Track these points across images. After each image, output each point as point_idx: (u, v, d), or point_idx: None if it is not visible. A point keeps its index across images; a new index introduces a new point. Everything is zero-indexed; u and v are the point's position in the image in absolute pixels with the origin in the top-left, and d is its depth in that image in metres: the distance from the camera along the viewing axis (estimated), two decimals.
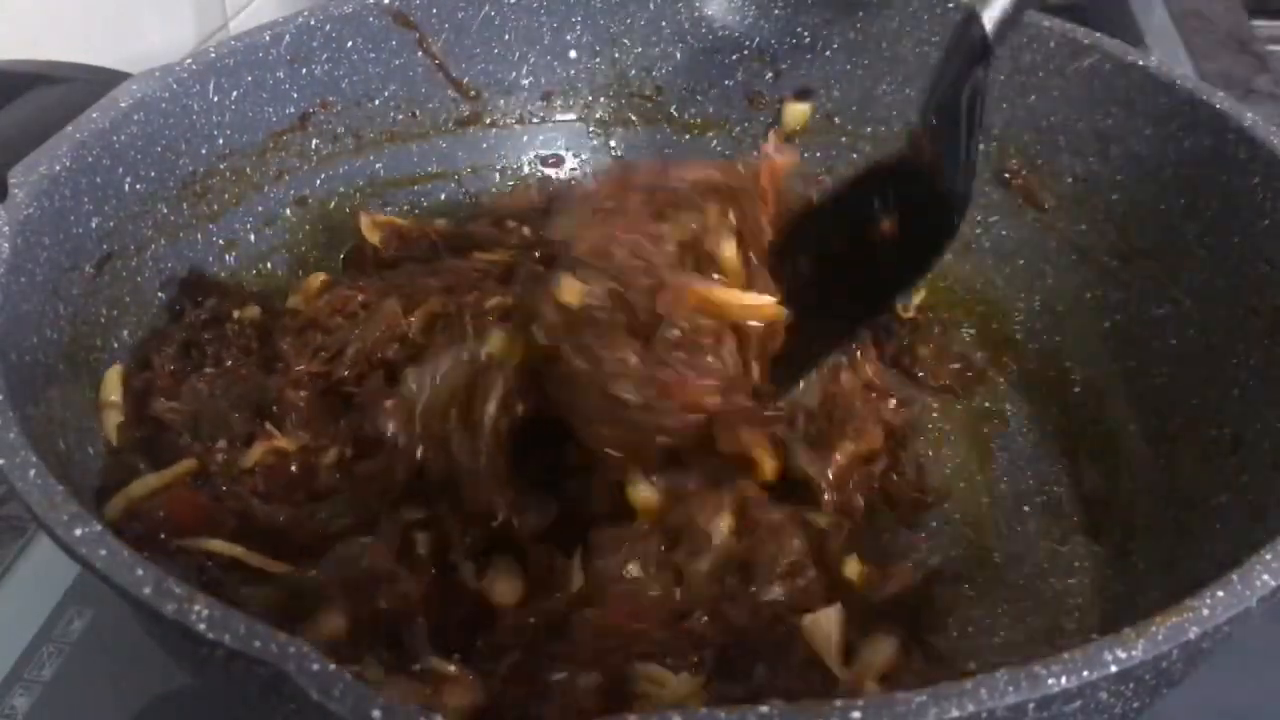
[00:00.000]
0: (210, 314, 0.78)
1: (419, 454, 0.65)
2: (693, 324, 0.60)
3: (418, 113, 0.95)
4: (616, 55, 0.98)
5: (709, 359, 0.61)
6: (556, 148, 0.99)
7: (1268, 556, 0.49)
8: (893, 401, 0.77)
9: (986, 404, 0.85)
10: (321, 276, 0.86)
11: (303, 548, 0.64)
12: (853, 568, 0.65)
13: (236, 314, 0.79)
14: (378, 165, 0.94)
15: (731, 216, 0.64)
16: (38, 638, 0.72)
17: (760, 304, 0.63)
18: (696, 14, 0.96)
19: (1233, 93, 1.21)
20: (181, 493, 0.64)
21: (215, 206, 0.84)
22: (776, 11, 0.94)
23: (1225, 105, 0.76)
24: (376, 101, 0.92)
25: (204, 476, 0.67)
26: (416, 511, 0.65)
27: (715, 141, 0.98)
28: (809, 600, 0.61)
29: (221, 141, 0.84)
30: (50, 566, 0.76)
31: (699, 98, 0.98)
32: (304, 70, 0.87)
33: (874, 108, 0.94)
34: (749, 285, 0.64)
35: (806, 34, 0.94)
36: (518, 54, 0.96)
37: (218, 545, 0.62)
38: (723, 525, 0.63)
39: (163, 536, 0.62)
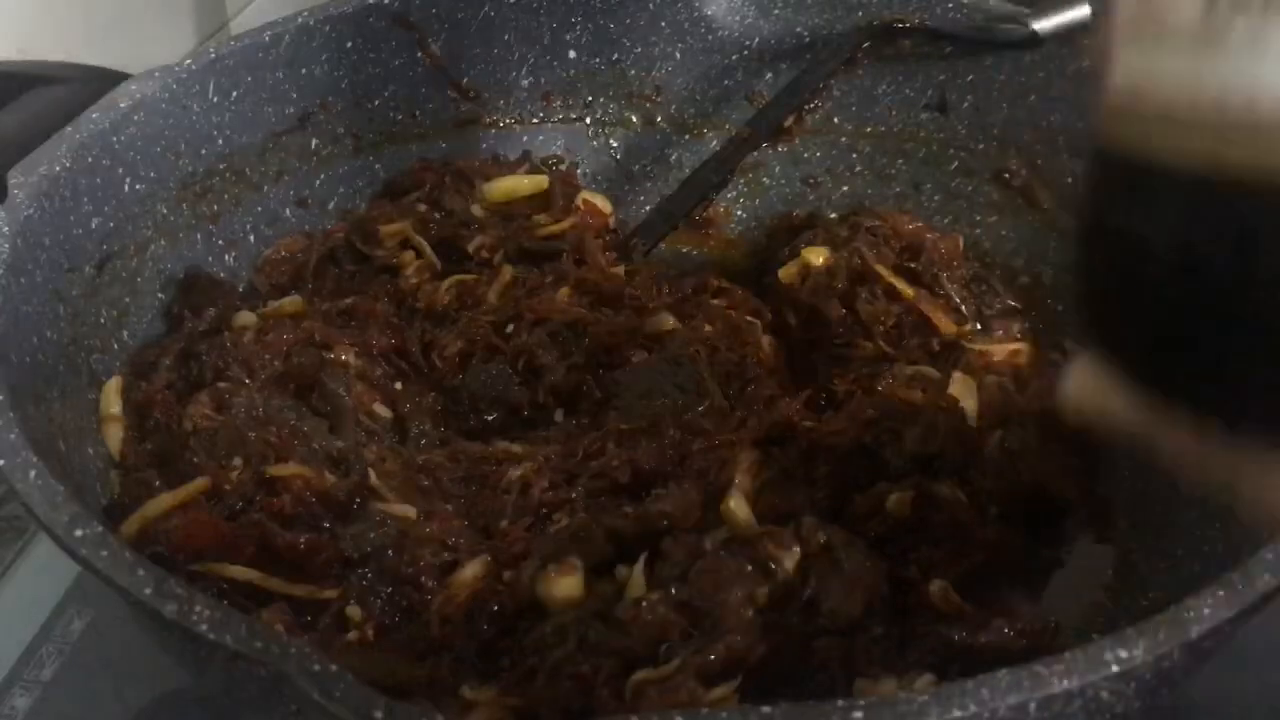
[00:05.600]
0: (209, 324, 0.78)
1: None
2: None
3: (418, 113, 0.95)
4: (616, 55, 0.98)
5: None
6: (556, 148, 0.99)
7: (1268, 556, 0.49)
8: None
9: None
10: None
11: (324, 571, 0.63)
12: (950, 599, 0.63)
13: (234, 320, 0.79)
14: (377, 166, 0.94)
15: None
16: (38, 638, 0.72)
17: None
18: (696, 14, 0.96)
19: None
20: (199, 516, 0.64)
21: (215, 207, 0.84)
22: (776, 11, 0.94)
23: None
24: (376, 102, 0.92)
25: (218, 496, 0.67)
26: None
27: (715, 142, 0.98)
28: (868, 661, 0.59)
29: (221, 142, 0.84)
30: (50, 567, 0.76)
31: (699, 98, 0.98)
32: (304, 71, 0.87)
33: (874, 108, 0.94)
34: None
35: (806, 34, 0.94)
36: (517, 54, 0.96)
37: (236, 571, 0.61)
38: (788, 562, 0.63)
39: (180, 559, 0.61)
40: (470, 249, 0.87)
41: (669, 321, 0.81)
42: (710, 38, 0.96)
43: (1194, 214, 0.39)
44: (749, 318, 0.84)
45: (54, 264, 0.68)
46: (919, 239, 0.87)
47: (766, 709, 0.41)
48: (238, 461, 0.68)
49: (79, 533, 0.48)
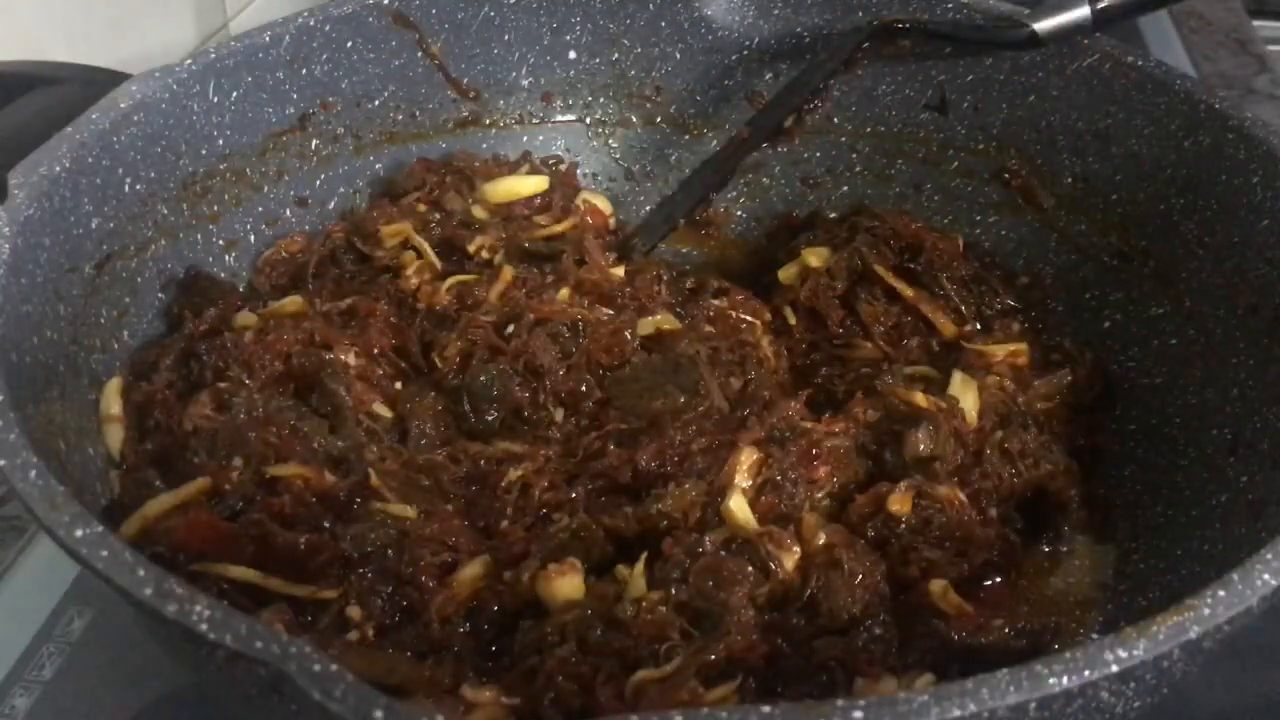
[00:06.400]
0: (209, 324, 0.78)
1: None
2: None
3: (418, 113, 0.95)
4: (616, 55, 0.98)
5: None
6: (556, 148, 0.99)
7: (1268, 556, 0.49)
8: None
9: None
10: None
11: (324, 571, 0.63)
12: (950, 599, 0.64)
13: (235, 320, 0.79)
14: (377, 166, 0.94)
15: None
16: (38, 638, 0.72)
17: None
18: (696, 14, 0.96)
19: (1233, 93, 1.22)
20: (199, 516, 0.64)
21: (215, 207, 0.84)
22: (776, 11, 0.94)
23: (1225, 105, 0.76)
24: (376, 102, 0.92)
25: (218, 496, 0.67)
26: None
27: (715, 141, 0.98)
28: (868, 661, 0.59)
29: (221, 142, 0.84)
30: (50, 567, 0.76)
31: (699, 98, 0.98)
32: (304, 71, 0.87)
33: (874, 108, 0.94)
34: None
35: (806, 34, 0.94)
36: (517, 54, 0.96)
37: (236, 571, 0.62)
38: (788, 562, 0.63)
39: (180, 559, 0.62)
40: (470, 249, 0.87)
41: (669, 321, 0.81)
42: (710, 38, 0.96)
43: None
44: (749, 318, 0.84)
45: (54, 264, 0.68)
46: (919, 239, 0.87)
47: (766, 709, 0.41)
48: (238, 461, 0.68)
49: (79, 533, 0.48)
